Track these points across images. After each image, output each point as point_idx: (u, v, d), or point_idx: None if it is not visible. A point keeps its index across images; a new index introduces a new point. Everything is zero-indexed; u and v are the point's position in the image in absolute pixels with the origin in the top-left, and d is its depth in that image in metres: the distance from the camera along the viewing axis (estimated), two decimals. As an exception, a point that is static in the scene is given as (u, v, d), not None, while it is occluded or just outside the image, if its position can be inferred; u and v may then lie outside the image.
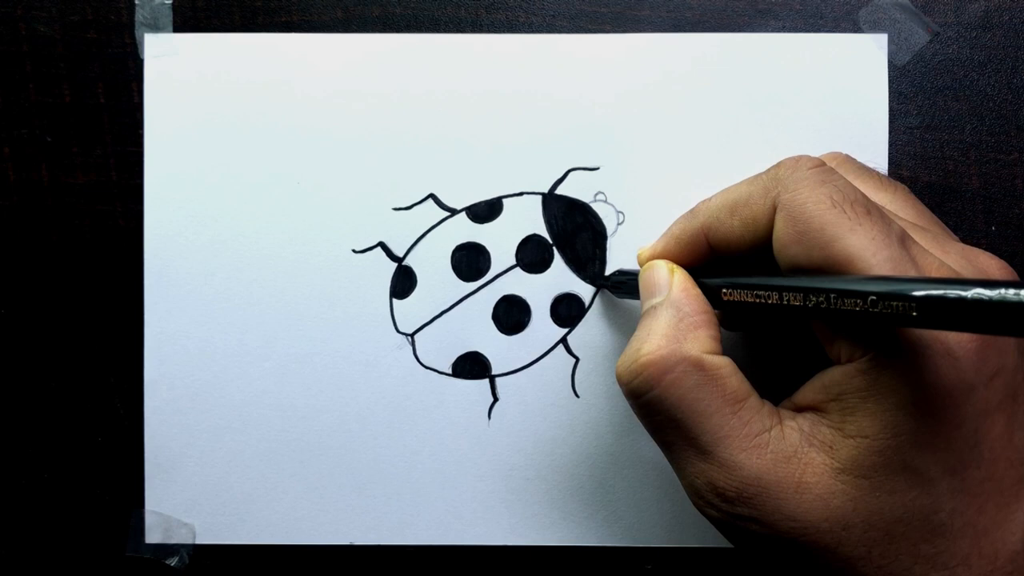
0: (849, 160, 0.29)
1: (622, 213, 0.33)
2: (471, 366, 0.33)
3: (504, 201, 0.33)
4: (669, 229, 0.29)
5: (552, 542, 0.33)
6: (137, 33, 0.33)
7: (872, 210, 0.24)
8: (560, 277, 0.33)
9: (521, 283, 0.33)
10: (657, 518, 0.33)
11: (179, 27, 0.33)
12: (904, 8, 0.33)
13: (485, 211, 0.33)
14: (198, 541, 0.33)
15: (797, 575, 0.25)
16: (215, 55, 0.33)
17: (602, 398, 0.33)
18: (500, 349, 0.33)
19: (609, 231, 0.33)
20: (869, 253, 0.23)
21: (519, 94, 0.33)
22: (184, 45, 0.33)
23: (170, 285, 0.33)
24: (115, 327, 0.33)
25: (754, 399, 0.25)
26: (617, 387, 0.33)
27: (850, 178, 0.27)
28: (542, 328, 0.33)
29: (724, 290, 0.26)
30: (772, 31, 0.33)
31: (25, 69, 0.33)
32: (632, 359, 0.26)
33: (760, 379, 0.26)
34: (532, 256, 0.33)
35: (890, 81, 0.33)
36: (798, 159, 0.25)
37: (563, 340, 0.33)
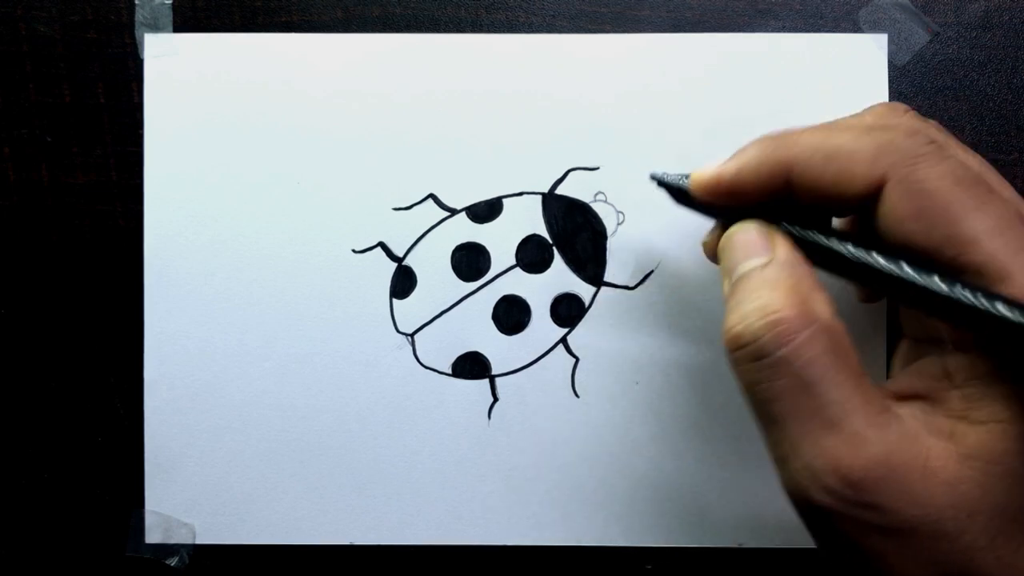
0: (941, 129, 0.26)
1: (622, 213, 0.33)
2: (471, 366, 0.33)
3: (504, 201, 0.33)
4: (744, 150, 0.26)
5: (552, 542, 0.33)
6: (137, 33, 0.33)
7: (993, 189, 0.23)
8: (560, 277, 0.33)
9: (521, 283, 0.33)
10: (657, 518, 0.33)
11: (179, 27, 0.33)
12: (904, 8, 0.33)
13: (485, 211, 0.33)
14: (198, 541, 0.33)
15: (904, 569, 0.23)
16: (215, 55, 0.33)
17: (602, 398, 0.33)
18: (500, 349, 0.33)
19: (609, 231, 0.33)
20: (997, 233, 0.22)
21: (519, 94, 0.33)
22: (184, 45, 0.33)
23: (170, 285, 0.33)
24: (115, 327, 0.33)
25: (869, 378, 0.23)
26: (617, 387, 0.33)
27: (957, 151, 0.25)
28: (542, 328, 0.33)
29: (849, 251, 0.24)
30: (772, 31, 0.33)
31: (25, 69, 0.33)
32: (757, 316, 0.23)
33: None
34: (532, 256, 0.33)
35: (890, 81, 0.33)
36: (916, 130, 0.24)
37: (563, 340, 0.33)
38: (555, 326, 0.33)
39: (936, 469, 0.22)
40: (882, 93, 0.32)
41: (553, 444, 0.33)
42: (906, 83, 0.33)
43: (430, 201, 0.33)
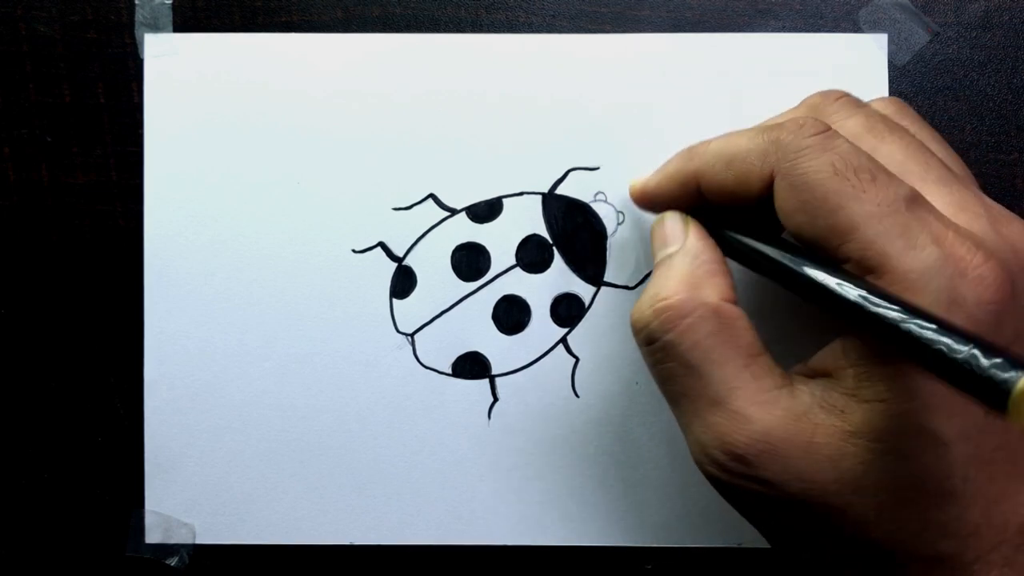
0: (857, 106, 0.28)
1: (622, 213, 0.33)
2: (471, 366, 0.33)
3: (504, 201, 0.33)
4: (664, 166, 0.29)
5: (552, 542, 0.33)
6: (137, 33, 0.33)
7: (878, 174, 0.23)
8: (560, 277, 0.33)
9: (521, 283, 0.33)
10: (657, 518, 0.33)
11: (179, 27, 0.33)
12: (904, 8, 0.33)
13: (485, 211, 0.33)
14: (198, 541, 0.33)
15: (802, 540, 0.24)
16: (215, 55, 0.33)
17: (602, 398, 0.33)
18: (500, 349, 0.33)
19: (609, 231, 0.33)
20: (875, 220, 0.23)
21: (519, 94, 0.33)
22: (184, 45, 0.33)
23: (170, 285, 0.33)
24: (115, 327, 0.33)
25: (766, 358, 0.25)
26: (617, 387, 0.33)
27: (857, 126, 0.26)
28: (542, 328, 0.33)
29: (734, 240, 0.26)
30: (772, 31, 0.33)
31: (25, 69, 0.33)
32: (649, 304, 0.26)
33: (773, 348, 0.26)
34: (532, 256, 0.33)
35: (890, 81, 0.33)
36: (802, 124, 0.25)
37: (563, 340, 0.33)
38: (555, 326, 0.33)
39: (820, 445, 0.23)
40: (882, 93, 0.32)
41: (553, 444, 0.33)
42: (906, 83, 0.33)
43: (430, 201, 0.33)
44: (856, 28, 0.33)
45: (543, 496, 0.33)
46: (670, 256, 0.27)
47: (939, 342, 0.19)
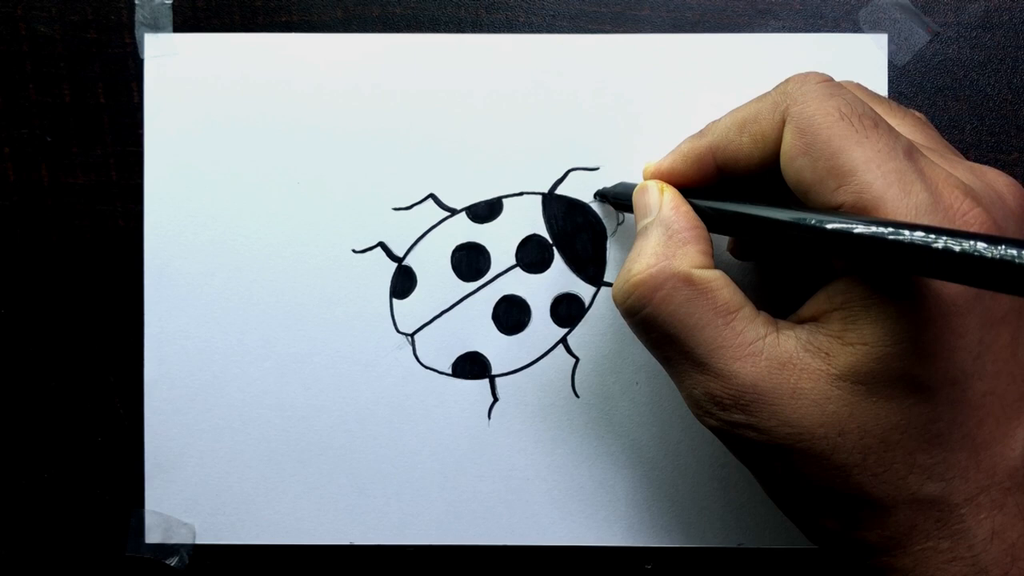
0: (861, 87, 0.29)
1: (622, 213, 0.33)
2: (471, 366, 0.33)
3: (504, 201, 0.33)
4: (677, 147, 0.29)
5: (552, 542, 0.33)
6: (137, 33, 0.33)
7: (880, 123, 0.24)
8: (560, 277, 0.33)
9: (521, 283, 0.33)
10: (657, 518, 0.33)
11: (179, 27, 0.33)
12: (904, 8, 0.33)
13: (485, 211, 0.33)
14: (198, 541, 0.33)
15: (794, 486, 0.25)
16: (215, 55, 0.33)
17: (602, 398, 0.33)
18: (500, 349, 0.33)
19: (609, 231, 0.33)
20: (874, 165, 0.23)
21: (519, 94, 0.33)
22: (184, 45, 0.33)
23: (170, 285, 0.33)
24: (115, 327, 0.33)
25: (748, 309, 0.25)
26: (617, 387, 0.33)
27: (863, 99, 0.27)
28: (542, 328, 0.33)
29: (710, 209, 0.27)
30: (772, 31, 0.33)
31: (25, 69, 0.33)
32: (624, 279, 0.26)
33: (769, 298, 0.26)
34: (532, 256, 0.33)
35: (890, 81, 0.33)
36: (806, 74, 0.25)
37: (563, 340, 0.33)
38: (555, 326, 0.33)
39: (806, 390, 0.24)
40: (882, 93, 0.32)
41: (553, 444, 0.33)
42: (906, 83, 0.33)
43: (430, 201, 0.33)
44: (856, 28, 0.33)
45: (543, 496, 0.33)
46: (645, 227, 0.27)
47: (971, 247, 0.19)
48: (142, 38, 0.33)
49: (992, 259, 0.18)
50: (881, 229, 0.21)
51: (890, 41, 0.33)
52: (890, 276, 0.23)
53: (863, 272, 0.23)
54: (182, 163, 0.33)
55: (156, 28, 0.33)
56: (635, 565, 0.33)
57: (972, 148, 0.33)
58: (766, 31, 0.33)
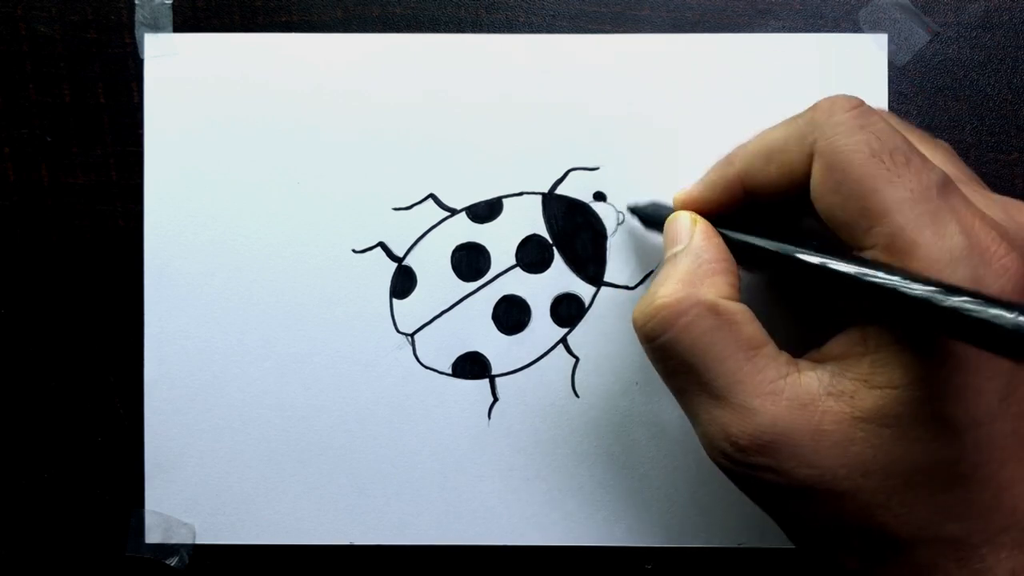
0: (891, 114, 0.28)
1: (622, 213, 0.33)
2: (471, 366, 0.33)
3: (504, 201, 0.33)
4: (706, 175, 0.29)
5: (552, 542, 0.33)
6: (137, 33, 0.33)
7: (912, 159, 0.23)
8: (560, 277, 0.33)
9: (521, 283, 0.33)
10: (657, 518, 0.33)
11: (179, 27, 0.33)
12: (904, 8, 0.33)
13: (485, 211, 0.33)
14: (198, 541, 0.33)
15: (813, 526, 0.25)
16: (215, 55, 0.33)
17: (602, 398, 0.33)
18: (500, 349, 0.33)
19: (609, 231, 0.33)
20: (907, 206, 0.23)
21: (519, 94, 0.33)
22: (184, 45, 0.33)
23: (170, 285, 0.33)
24: (115, 327, 0.33)
25: (770, 348, 0.25)
26: (617, 387, 0.33)
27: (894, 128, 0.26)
28: (542, 328, 0.33)
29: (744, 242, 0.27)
30: (772, 31, 0.33)
31: (25, 69, 0.33)
32: (648, 302, 0.26)
33: (784, 334, 0.26)
34: (532, 256, 0.33)
35: (890, 81, 0.33)
36: (834, 100, 0.25)
37: (563, 340, 0.33)
38: (555, 326, 0.33)
39: (829, 431, 0.23)
40: (882, 93, 0.32)
41: (553, 444, 0.33)
42: (906, 83, 0.33)
43: (430, 201, 0.33)
44: (856, 28, 0.33)
45: (543, 496, 0.33)
46: (675, 255, 0.27)
47: (986, 313, 0.19)
48: (142, 38, 0.33)
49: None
50: (927, 289, 0.21)
51: (890, 41, 0.33)
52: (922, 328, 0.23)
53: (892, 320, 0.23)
54: (182, 163, 0.33)
55: (156, 28, 0.33)
56: (635, 565, 0.33)
57: (972, 148, 0.33)
58: (766, 31, 0.33)
